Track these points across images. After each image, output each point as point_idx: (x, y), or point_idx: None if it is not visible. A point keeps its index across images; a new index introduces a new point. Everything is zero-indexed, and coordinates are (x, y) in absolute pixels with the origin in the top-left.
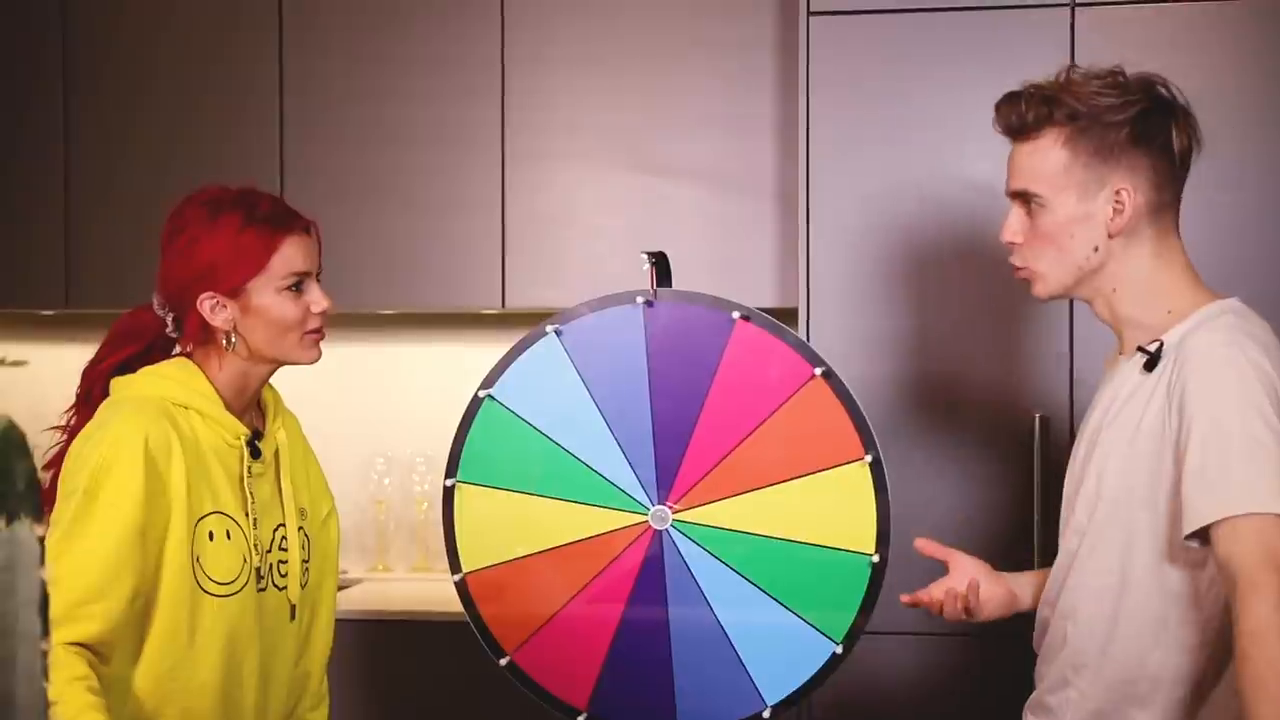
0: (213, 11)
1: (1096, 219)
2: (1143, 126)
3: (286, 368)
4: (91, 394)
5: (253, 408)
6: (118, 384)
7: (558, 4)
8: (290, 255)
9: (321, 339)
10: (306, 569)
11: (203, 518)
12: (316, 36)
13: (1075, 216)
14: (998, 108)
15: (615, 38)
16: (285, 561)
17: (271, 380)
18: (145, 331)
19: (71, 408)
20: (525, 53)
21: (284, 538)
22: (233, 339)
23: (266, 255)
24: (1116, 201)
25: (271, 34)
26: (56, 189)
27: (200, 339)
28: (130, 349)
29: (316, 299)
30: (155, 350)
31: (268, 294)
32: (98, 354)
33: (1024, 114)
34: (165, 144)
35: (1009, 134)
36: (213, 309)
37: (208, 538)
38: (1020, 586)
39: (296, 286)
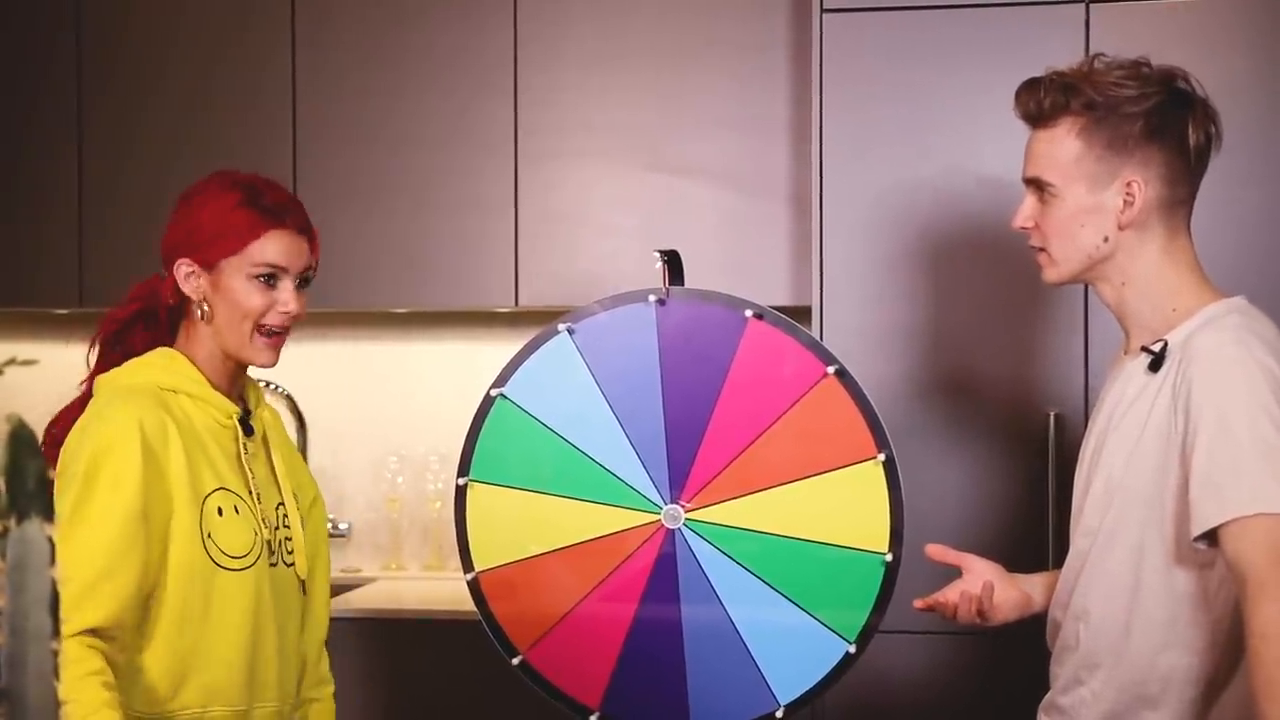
0: (225, 11)
1: (1107, 210)
2: (1158, 120)
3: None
4: (115, 338)
5: (235, 394)
6: (102, 381)
7: (571, 2)
8: (270, 247)
9: (279, 344)
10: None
11: (209, 495)
12: (329, 35)
13: (1086, 207)
14: (1018, 94)
15: (629, 37)
16: (290, 539)
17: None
18: (156, 290)
19: (88, 380)
20: (538, 51)
21: (285, 515)
22: (204, 308)
23: (246, 239)
24: (1127, 194)
25: (284, 33)
26: (69, 189)
27: (172, 303)
28: (140, 304)
29: (285, 299)
30: (150, 317)
31: (238, 277)
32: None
33: (1041, 101)
34: (178, 143)
35: (1027, 120)
36: (186, 276)
37: (216, 513)
38: (1033, 588)
39: (268, 279)
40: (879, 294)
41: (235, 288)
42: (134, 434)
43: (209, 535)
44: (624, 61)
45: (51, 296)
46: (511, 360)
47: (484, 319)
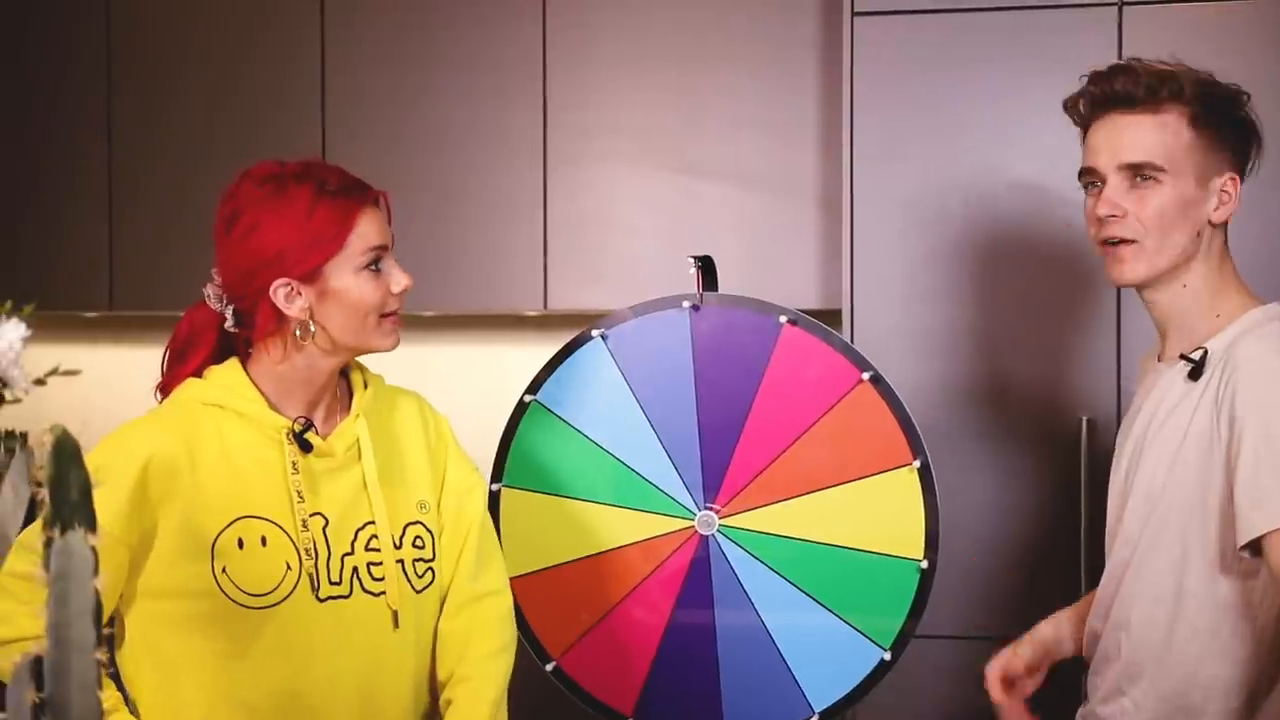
0: (253, 11)
1: (1205, 206)
2: (1249, 123)
3: None
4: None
5: (329, 400)
6: (180, 387)
7: (599, 4)
8: (367, 231)
9: (400, 323)
10: (432, 569)
11: (228, 526)
12: (358, 36)
13: (1190, 199)
14: (1110, 75)
15: (657, 39)
16: (379, 564)
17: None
18: (207, 330)
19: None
20: (567, 53)
21: (373, 536)
22: (311, 328)
23: (344, 233)
24: (1224, 191)
25: (313, 33)
26: (100, 191)
27: (271, 330)
28: (198, 357)
29: (397, 277)
30: (221, 348)
31: (346, 275)
32: (166, 372)
33: (1153, 85)
34: (207, 145)
35: (1117, 103)
36: (287, 297)
37: (236, 546)
38: (1059, 627)
39: (376, 265)
40: (910, 298)
41: (347, 287)
42: (133, 463)
43: (223, 570)
44: (653, 64)
45: (81, 299)
46: (545, 366)
47: (512, 322)
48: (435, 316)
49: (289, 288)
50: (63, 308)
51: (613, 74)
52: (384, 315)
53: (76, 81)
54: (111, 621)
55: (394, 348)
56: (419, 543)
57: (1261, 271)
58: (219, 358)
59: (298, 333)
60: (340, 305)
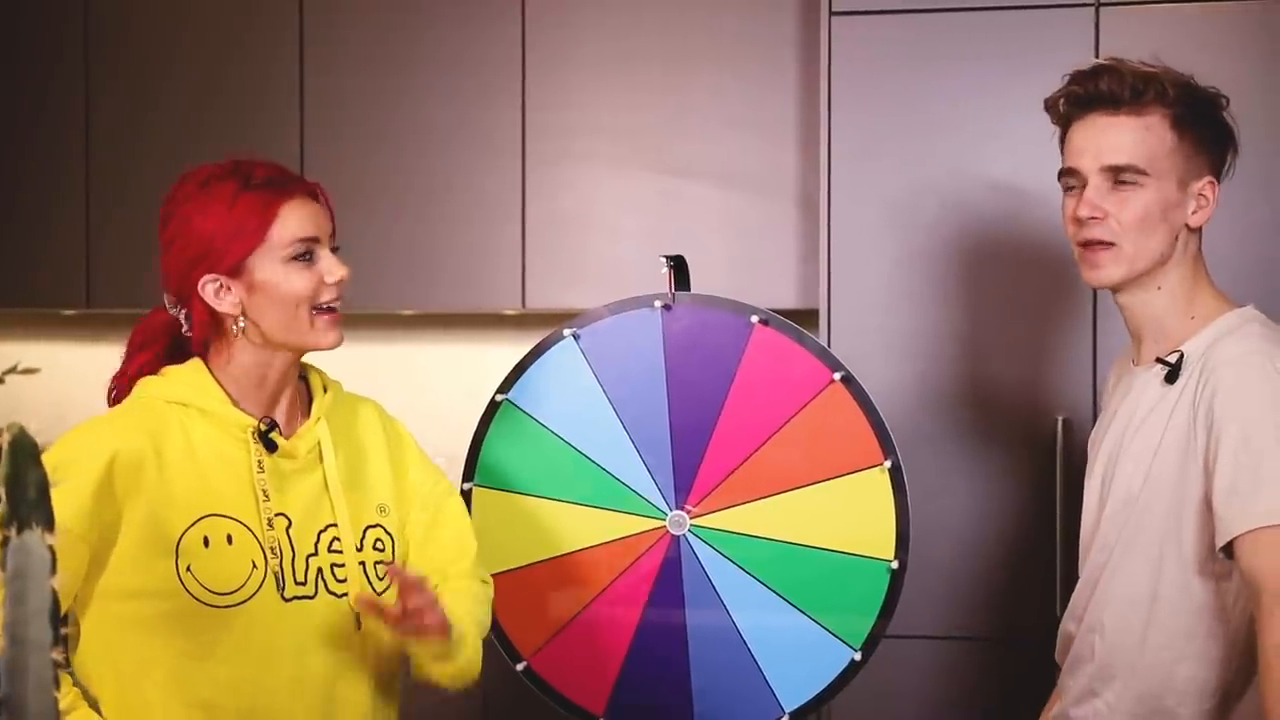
0: (233, 11)
1: (1184, 209)
2: (1227, 127)
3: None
4: (119, 399)
5: (287, 402)
6: (139, 383)
7: (579, 4)
8: (292, 222)
9: (339, 320)
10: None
11: (193, 524)
12: (337, 37)
13: (1172, 202)
14: (1095, 74)
15: (636, 39)
16: (343, 564)
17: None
18: (161, 332)
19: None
20: (546, 53)
21: (336, 539)
22: (241, 324)
23: (265, 224)
24: (1201, 195)
25: (292, 33)
26: (77, 189)
27: (210, 330)
28: (149, 352)
29: (330, 268)
30: (176, 351)
31: (272, 267)
32: (121, 365)
33: (1138, 87)
34: (185, 143)
35: (1100, 103)
36: (216, 293)
37: (202, 544)
38: None
39: (306, 256)
40: (887, 297)
41: (275, 279)
42: (99, 458)
43: (188, 568)
44: (631, 64)
45: (59, 297)
46: (517, 365)
47: (491, 321)
48: (415, 315)
49: (218, 283)
50: (41, 305)
51: (592, 74)
52: (319, 310)
53: (56, 80)
54: (67, 620)
55: (335, 345)
56: (379, 545)
57: (1246, 275)
58: (169, 362)
59: (234, 330)
60: (269, 299)
